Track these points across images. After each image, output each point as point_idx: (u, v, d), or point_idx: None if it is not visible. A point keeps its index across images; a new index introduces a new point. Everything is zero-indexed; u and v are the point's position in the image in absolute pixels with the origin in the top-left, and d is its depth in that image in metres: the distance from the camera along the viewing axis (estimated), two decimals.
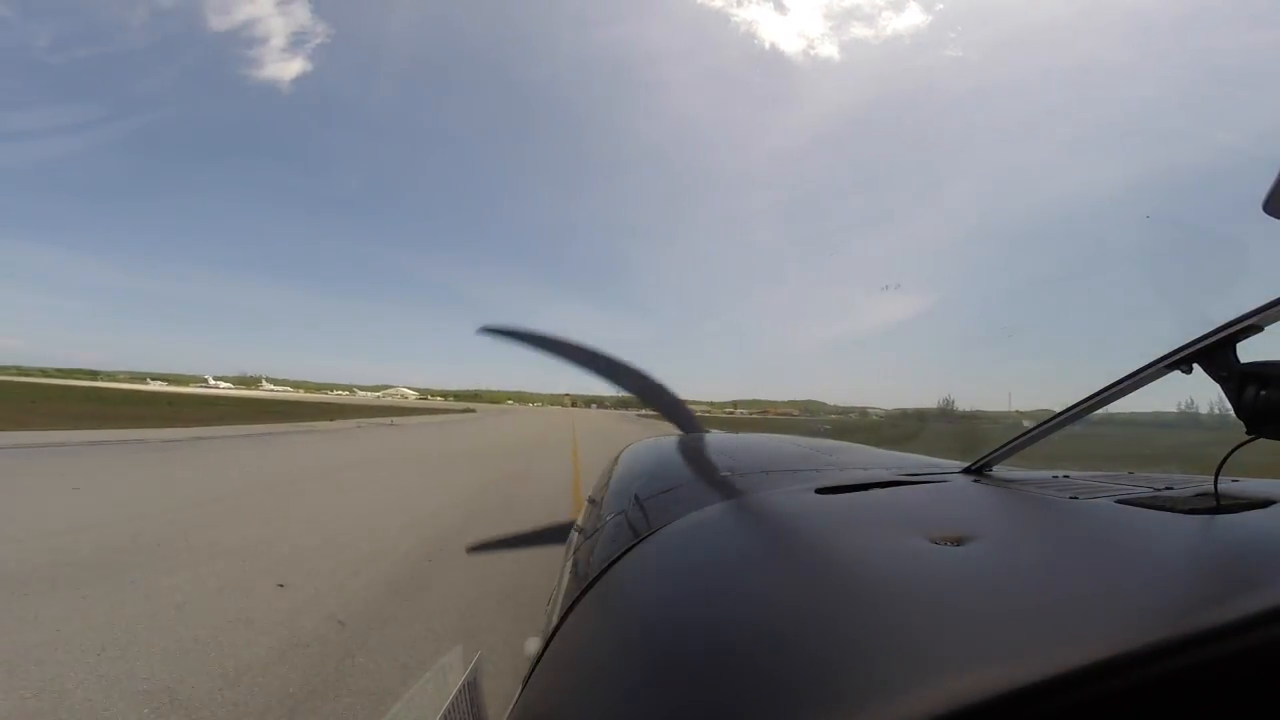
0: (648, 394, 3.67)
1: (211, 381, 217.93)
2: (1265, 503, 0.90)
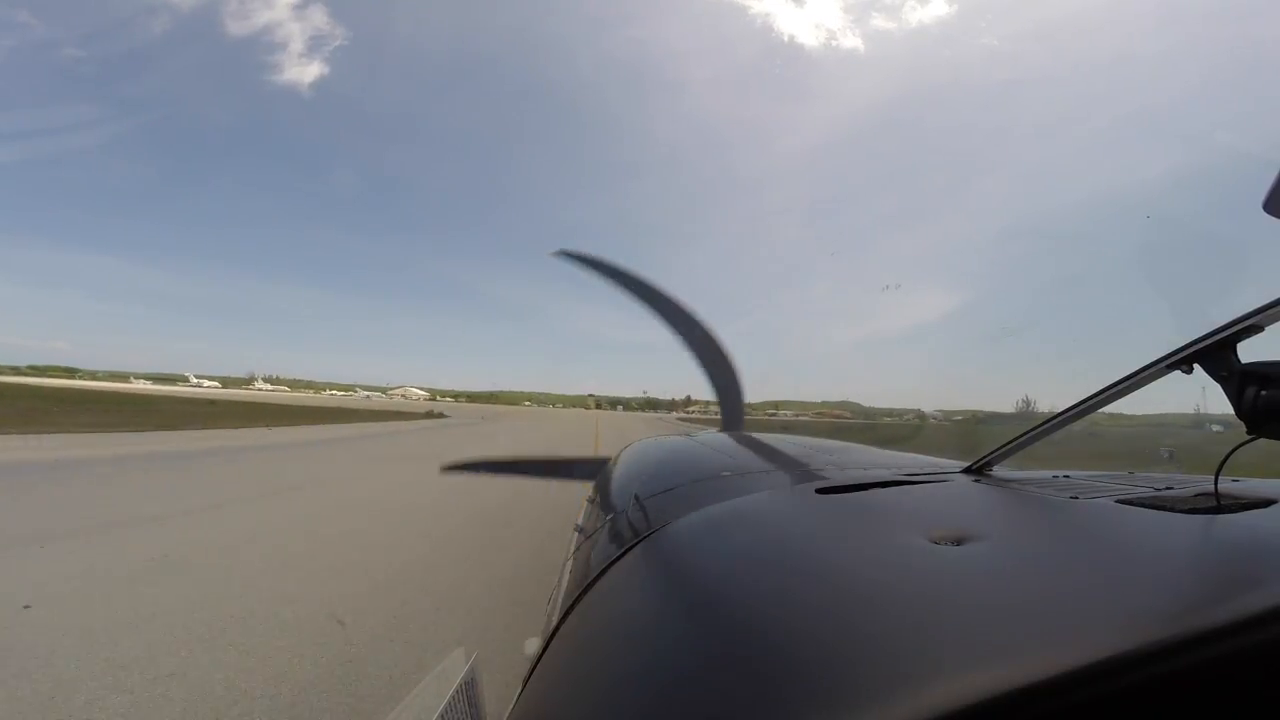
0: (710, 364, 3.32)
1: (193, 380, 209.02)
2: (1265, 503, 0.89)
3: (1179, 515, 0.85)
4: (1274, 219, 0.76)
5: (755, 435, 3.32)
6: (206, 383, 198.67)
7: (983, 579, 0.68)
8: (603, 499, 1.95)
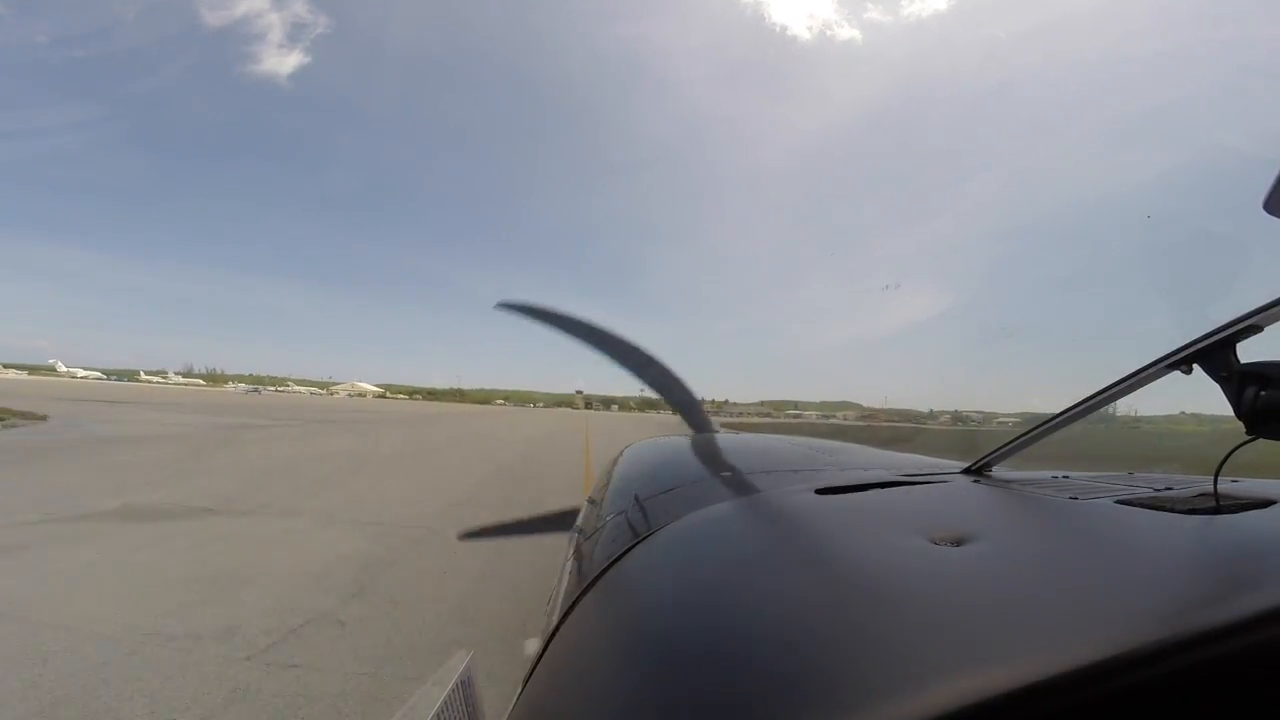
0: (662, 386, 3.55)
1: (62, 369, 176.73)
2: (1265, 503, 0.90)
3: (1178, 516, 0.85)
4: (1274, 219, 0.76)
5: (755, 436, 3.33)
6: (81, 372, 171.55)
7: (983, 579, 0.69)
8: (603, 499, 1.95)
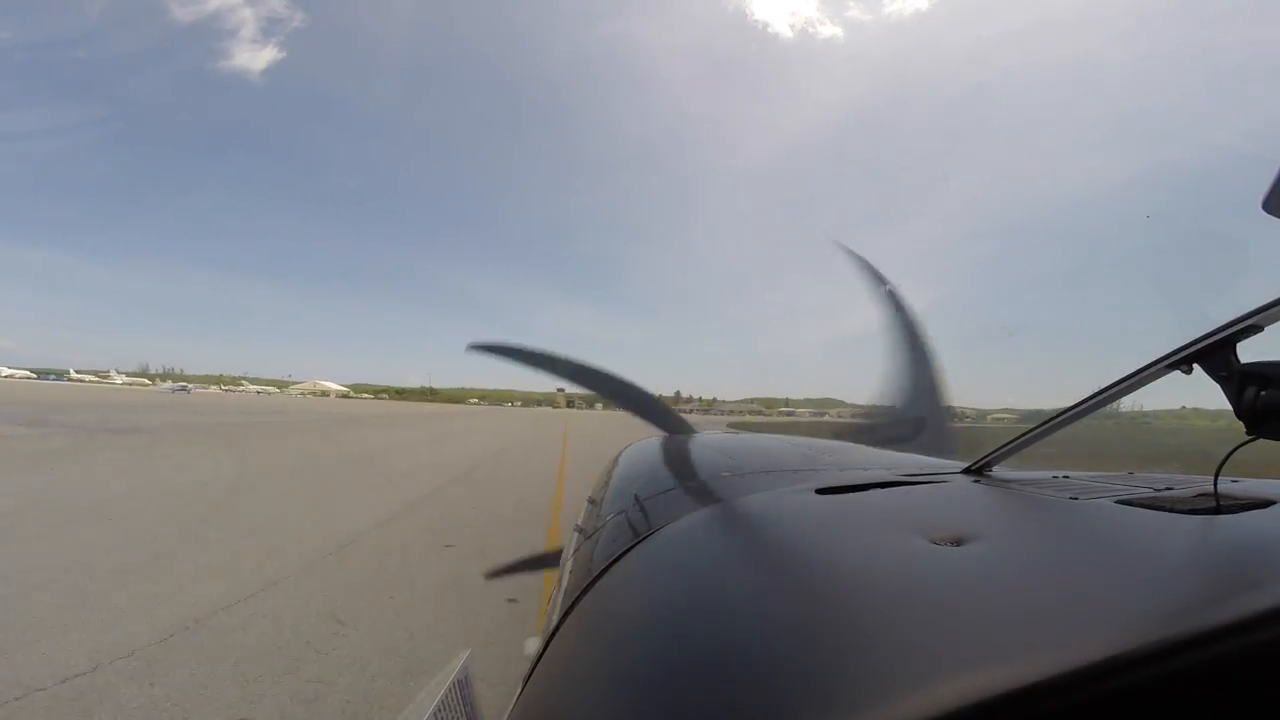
0: (629, 401, 3.93)
1: (5, 372, 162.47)
2: (1265, 503, 0.89)
3: (1179, 516, 0.85)
4: (1274, 218, 0.76)
5: (755, 435, 3.34)
6: (5, 370, 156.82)
7: (982, 580, 0.69)
8: (603, 499, 1.95)
